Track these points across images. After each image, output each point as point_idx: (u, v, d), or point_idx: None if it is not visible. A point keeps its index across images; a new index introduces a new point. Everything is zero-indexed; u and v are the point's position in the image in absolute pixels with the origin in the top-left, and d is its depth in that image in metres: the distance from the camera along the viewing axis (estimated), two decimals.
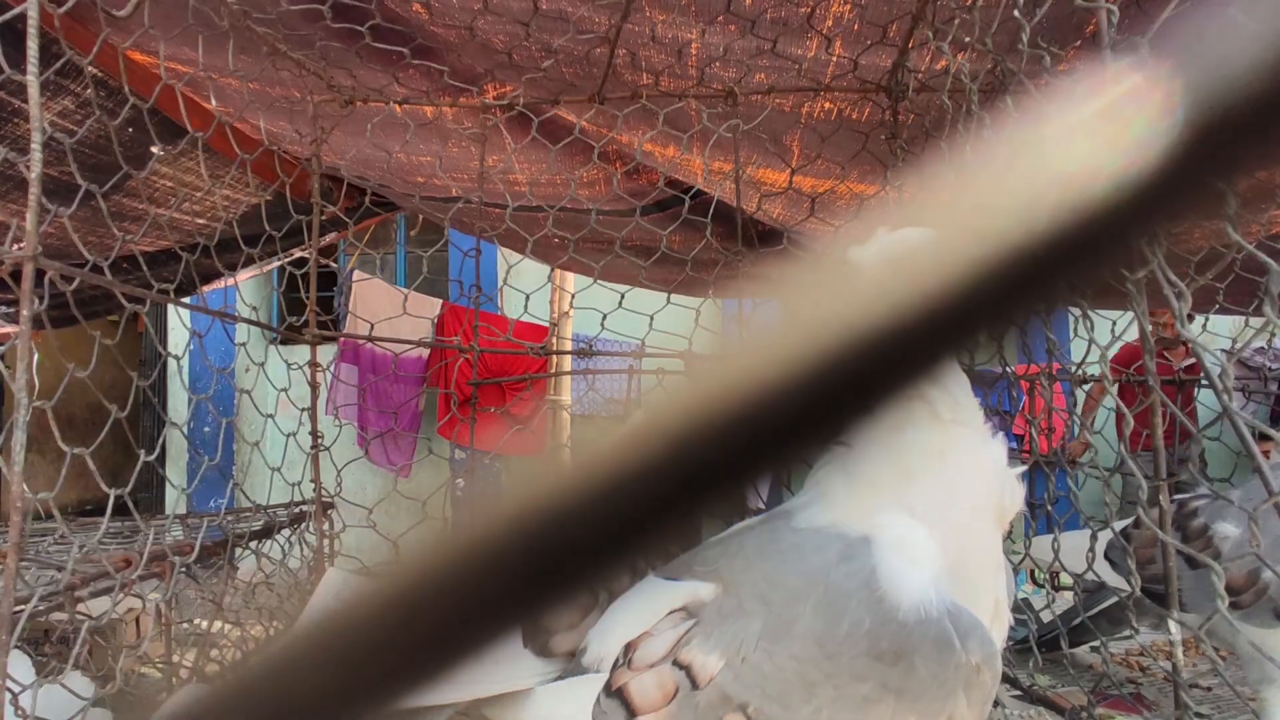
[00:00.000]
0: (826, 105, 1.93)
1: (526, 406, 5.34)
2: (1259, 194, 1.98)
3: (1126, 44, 0.96)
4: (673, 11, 1.61)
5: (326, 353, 2.39)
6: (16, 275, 0.96)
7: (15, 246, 0.98)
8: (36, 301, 0.89)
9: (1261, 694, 1.28)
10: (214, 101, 1.73)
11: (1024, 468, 0.90)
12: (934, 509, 0.82)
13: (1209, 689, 1.51)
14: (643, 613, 0.89)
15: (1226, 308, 2.15)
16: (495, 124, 2.05)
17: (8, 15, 0.93)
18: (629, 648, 0.86)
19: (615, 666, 0.86)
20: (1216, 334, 2.36)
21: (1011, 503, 0.86)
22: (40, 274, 0.98)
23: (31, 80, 0.90)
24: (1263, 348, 3.46)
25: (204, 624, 1.73)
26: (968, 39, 1.37)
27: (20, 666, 1.22)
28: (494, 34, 1.75)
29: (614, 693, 0.83)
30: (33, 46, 0.90)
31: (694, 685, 0.80)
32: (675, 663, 0.82)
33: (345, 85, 1.96)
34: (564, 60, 1.84)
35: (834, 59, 1.77)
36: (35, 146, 0.88)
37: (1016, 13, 1.13)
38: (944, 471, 0.84)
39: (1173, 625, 0.89)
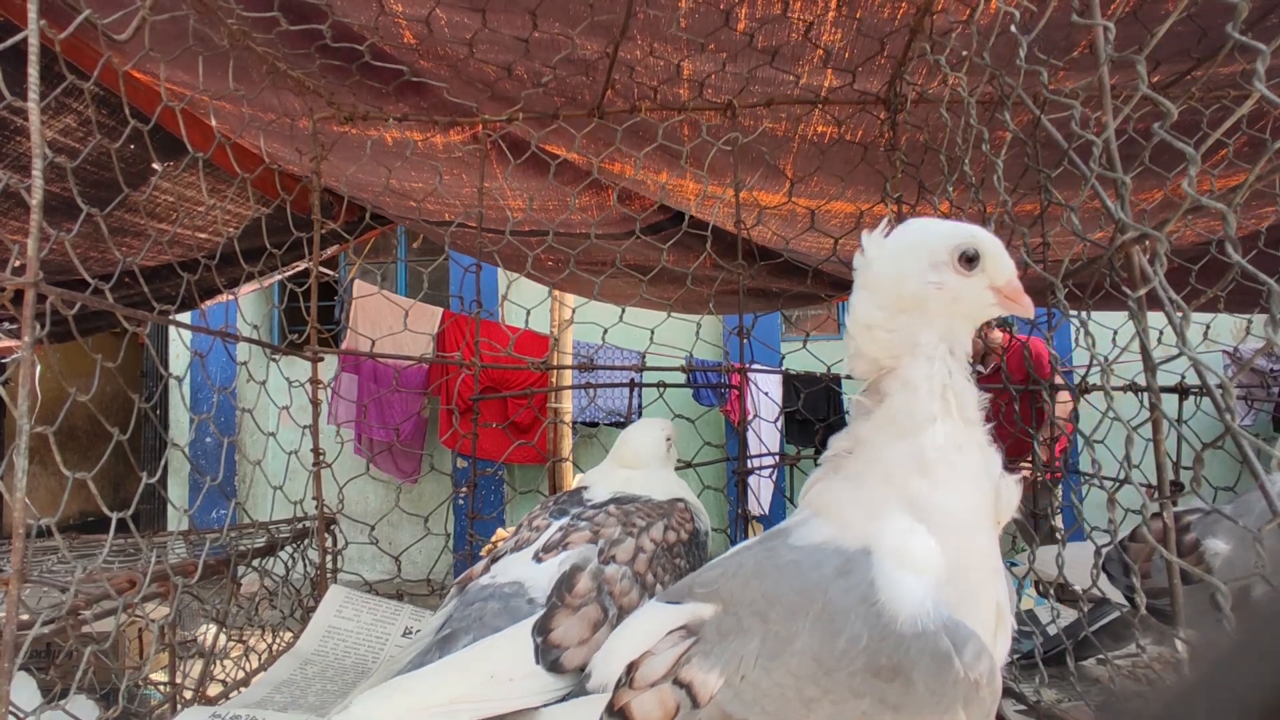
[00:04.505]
0: (821, 129, 1.94)
1: (528, 418, 5.34)
2: (1253, 196, 1.99)
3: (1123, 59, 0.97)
4: (666, 40, 1.61)
5: (328, 367, 2.39)
6: (17, 299, 0.96)
7: (17, 262, 0.98)
8: (38, 327, 0.89)
9: None
10: (213, 120, 1.74)
11: (1020, 475, 0.90)
12: (940, 502, 0.82)
13: None
14: (645, 635, 0.89)
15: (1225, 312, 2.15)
16: (494, 139, 2.06)
17: (9, 42, 0.93)
18: (631, 667, 0.86)
19: (618, 686, 0.86)
20: (1216, 340, 2.36)
21: (1007, 505, 0.87)
22: (42, 298, 0.98)
23: (33, 107, 0.90)
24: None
25: (207, 639, 1.73)
26: (965, 53, 1.37)
27: (25, 690, 1.22)
28: (486, 64, 1.76)
29: (616, 712, 0.83)
30: (33, 73, 0.90)
31: (694, 704, 0.80)
32: (676, 681, 0.82)
33: (344, 102, 1.97)
34: (555, 90, 1.85)
35: (831, 72, 1.78)
36: (36, 173, 0.88)
37: (1014, 28, 1.13)
38: (957, 465, 0.84)
39: (1179, 644, 0.89)
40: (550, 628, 1.02)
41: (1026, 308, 0.87)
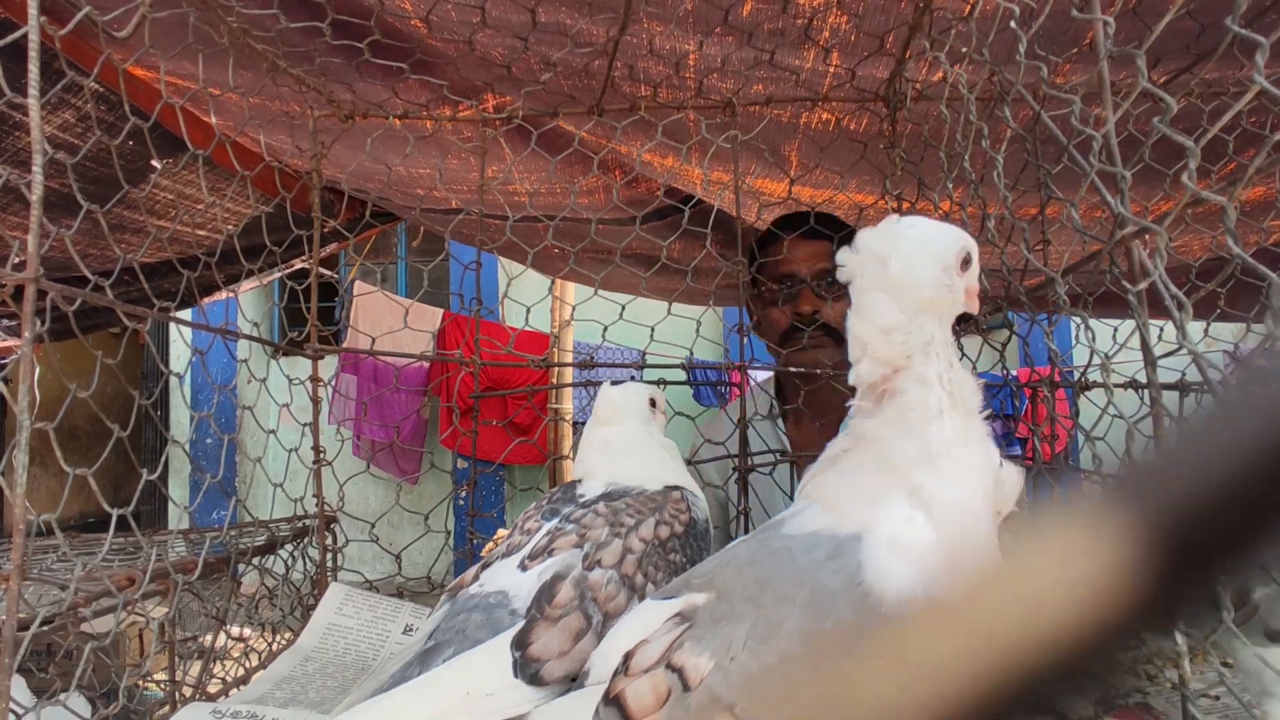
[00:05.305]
0: (825, 116, 1.94)
1: (528, 417, 5.34)
2: (1259, 207, 1.98)
3: (1123, 54, 0.97)
4: (671, 24, 1.62)
5: (328, 366, 2.40)
6: (17, 295, 0.96)
7: (17, 258, 0.98)
8: (38, 323, 0.89)
9: (1262, 707, 1.28)
10: (214, 117, 1.74)
11: (1021, 469, 0.90)
12: (943, 493, 0.83)
13: (1217, 698, 1.50)
14: (643, 628, 0.89)
15: (1228, 313, 2.15)
16: (495, 135, 2.06)
17: (9, 38, 0.93)
18: (627, 656, 0.86)
19: (615, 674, 0.86)
20: (1218, 339, 2.35)
21: (1008, 495, 0.88)
22: (42, 294, 0.98)
23: (33, 103, 0.90)
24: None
25: (207, 638, 1.73)
26: (965, 49, 1.37)
27: (16, 687, 1.21)
28: (493, 47, 1.76)
29: (611, 700, 0.84)
30: (34, 70, 0.90)
31: (686, 687, 0.80)
32: (669, 666, 0.82)
33: (345, 100, 1.96)
34: (563, 73, 1.85)
35: (831, 69, 1.78)
36: (36, 169, 0.88)
37: (1013, 23, 1.13)
38: (961, 458, 0.85)
39: (1179, 637, 0.89)
40: (529, 641, 1.01)
41: (975, 305, 0.97)
